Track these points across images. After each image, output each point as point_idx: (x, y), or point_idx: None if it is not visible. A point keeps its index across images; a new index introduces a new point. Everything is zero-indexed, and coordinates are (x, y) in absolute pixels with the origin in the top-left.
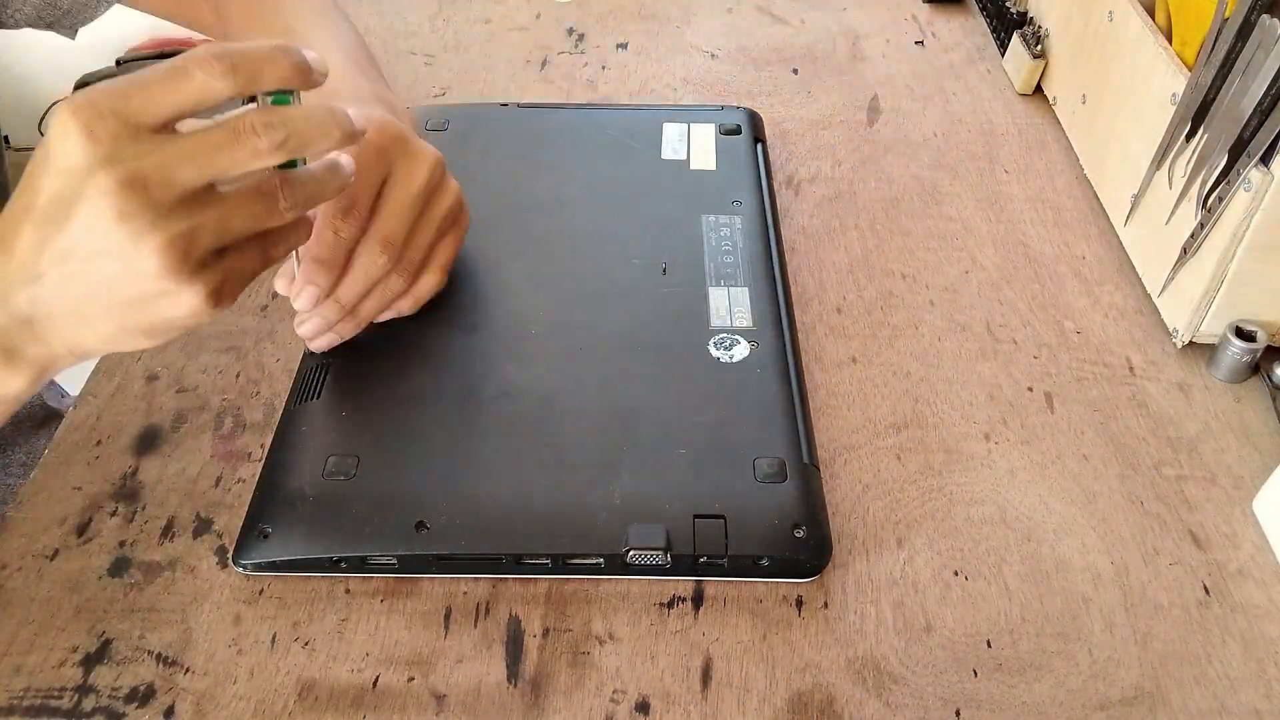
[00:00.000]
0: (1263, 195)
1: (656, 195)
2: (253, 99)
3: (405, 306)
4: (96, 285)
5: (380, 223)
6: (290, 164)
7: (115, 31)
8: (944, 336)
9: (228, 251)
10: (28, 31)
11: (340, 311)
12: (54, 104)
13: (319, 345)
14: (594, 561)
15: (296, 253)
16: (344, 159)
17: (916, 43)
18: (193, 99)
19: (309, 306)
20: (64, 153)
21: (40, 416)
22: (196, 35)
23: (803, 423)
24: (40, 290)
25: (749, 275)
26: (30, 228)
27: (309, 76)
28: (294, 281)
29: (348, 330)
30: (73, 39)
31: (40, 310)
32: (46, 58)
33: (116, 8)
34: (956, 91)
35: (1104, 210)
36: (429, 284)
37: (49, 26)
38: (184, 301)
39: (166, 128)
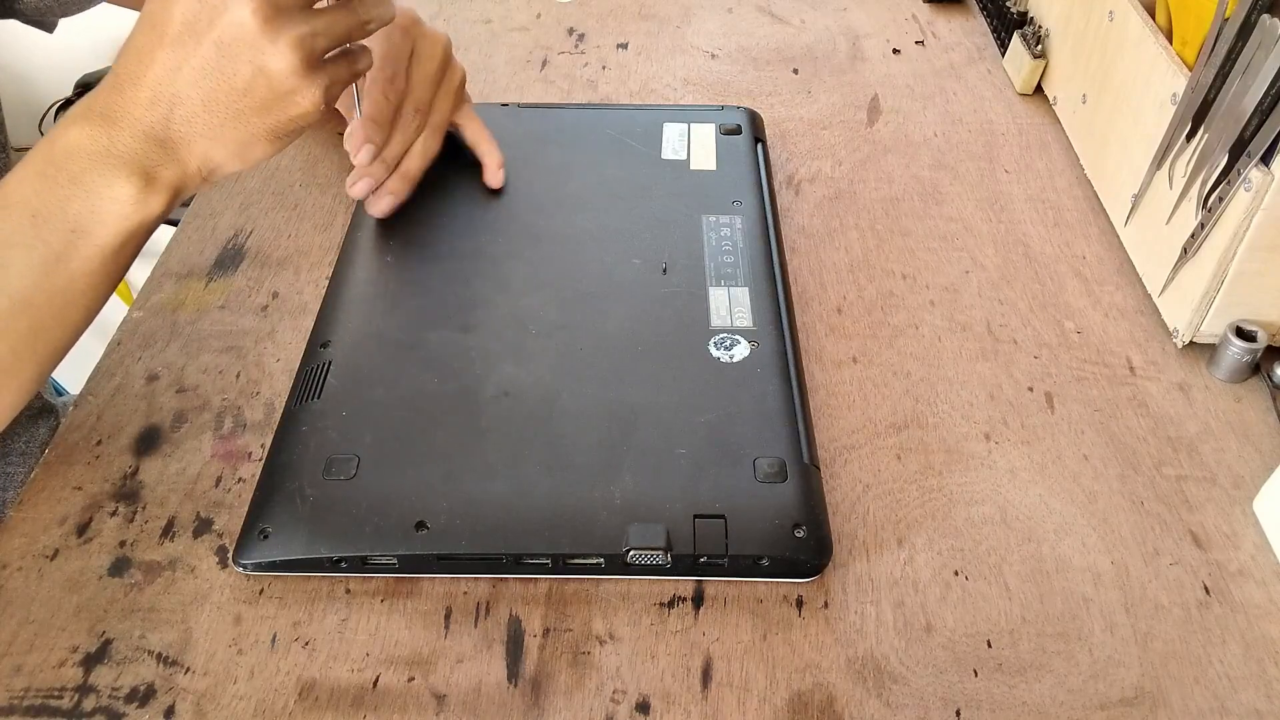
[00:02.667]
0: (1263, 195)
1: (657, 195)
2: None
3: (417, 166)
4: (231, 93)
5: (413, 91)
6: None
7: (115, 31)
8: (944, 336)
9: (330, 58)
10: (28, 32)
11: (386, 169)
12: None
13: (379, 209)
14: (594, 561)
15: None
16: None
17: (917, 42)
18: None
19: (369, 160)
20: None
21: (37, 407)
22: None
23: (803, 423)
24: (176, 110)
25: (749, 275)
26: (165, 52)
27: None
28: (355, 140)
29: (401, 189)
30: (50, 33)
31: (176, 130)
32: (47, 58)
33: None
34: (957, 91)
35: (1104, 210)
36: (434, 144)
37: (41, 17)
38: (307, 98)
39: None
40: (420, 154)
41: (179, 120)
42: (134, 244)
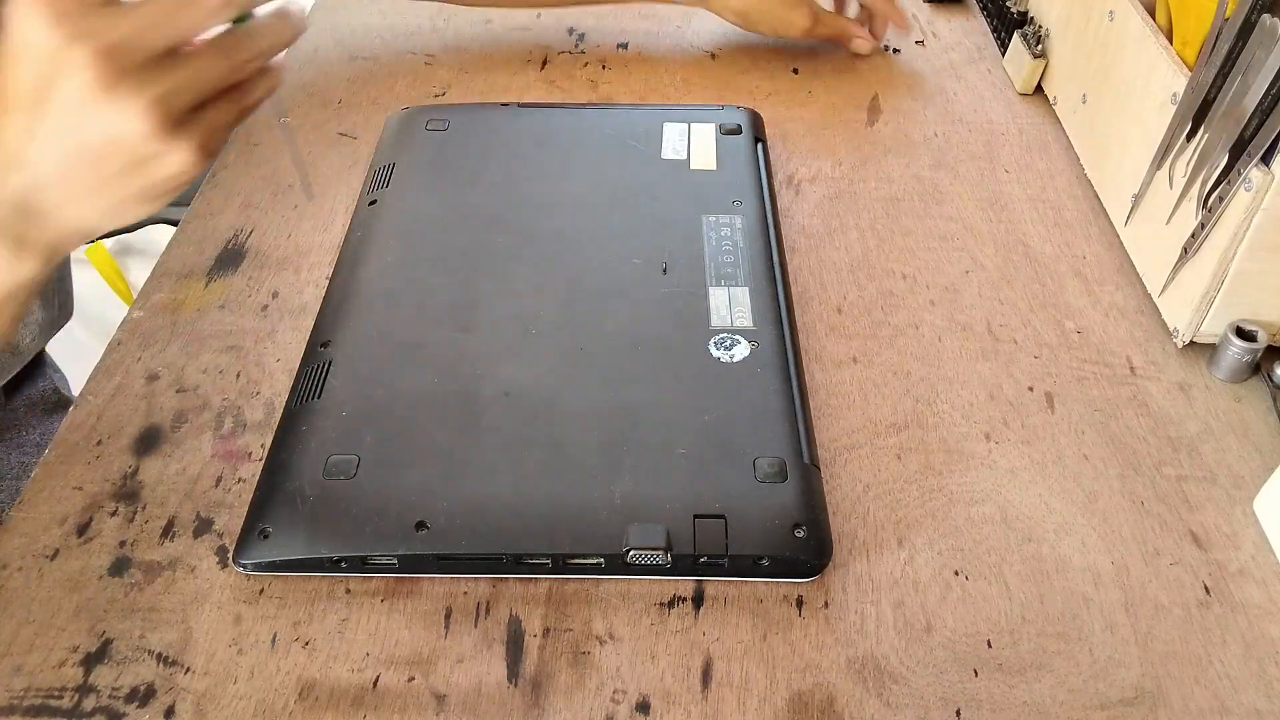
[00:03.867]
0: (1263, 195)
1: (657, 195)
2: None
3: None
4: (89, 160)
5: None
6: (244, 17)
7: None
8: (944, 336)
9: (205, 106)
10: None
11: None
12: None
13: None
14: (594, 561)
15: None
16: (292, 6)
17: (917, 42)
18: None
19: None
20: (34, 38)
21: (53, 401)
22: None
23: (803, 422)
24: (34, 176)
25: (749, 275)
26: (12, 118)
27: None
28: None
29: None
30: None
31: (37, 196)
32: None
33: None
34: (957, 91)
35: (1104, 210)
36: None
37: None
38: (176, 159)
39: None
40: None
41: (40, 188)
42: (8, 309)
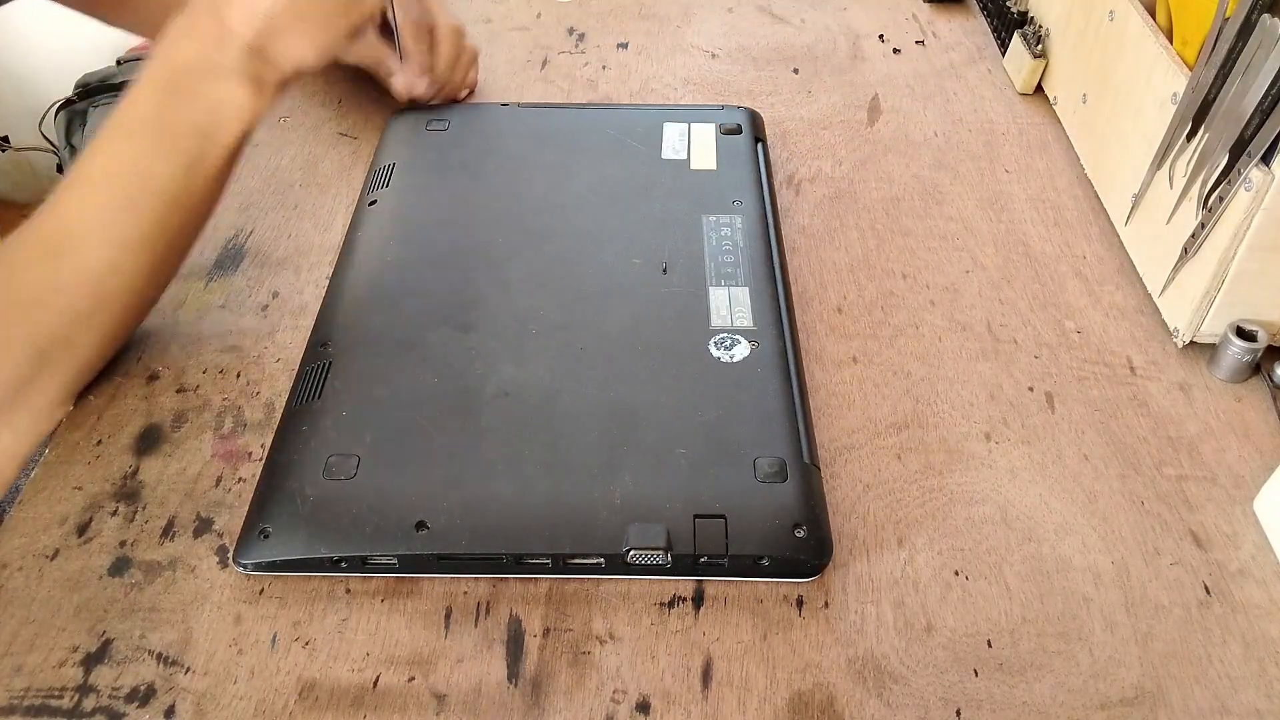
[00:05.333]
0: (1264, 195)
1: (657, 195)
2: None
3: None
4: (312, 6)
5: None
6: None
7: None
8: (944, 336)
9: None
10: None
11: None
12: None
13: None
14: (594, 561)
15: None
16: None
17: (917, 42)
18: None
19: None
20: None
21: None
22: None
23: (803, 422)
24: (270, 23)
25: (749, 275)
26: (283, 22)
27: None
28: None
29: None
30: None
31: (272, 40)
32: (47, 58)
33: None
34: (957, 91)
35: (1105, 210)
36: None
37: None
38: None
39: None
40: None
41: (273, 31)
42: (247, 140)
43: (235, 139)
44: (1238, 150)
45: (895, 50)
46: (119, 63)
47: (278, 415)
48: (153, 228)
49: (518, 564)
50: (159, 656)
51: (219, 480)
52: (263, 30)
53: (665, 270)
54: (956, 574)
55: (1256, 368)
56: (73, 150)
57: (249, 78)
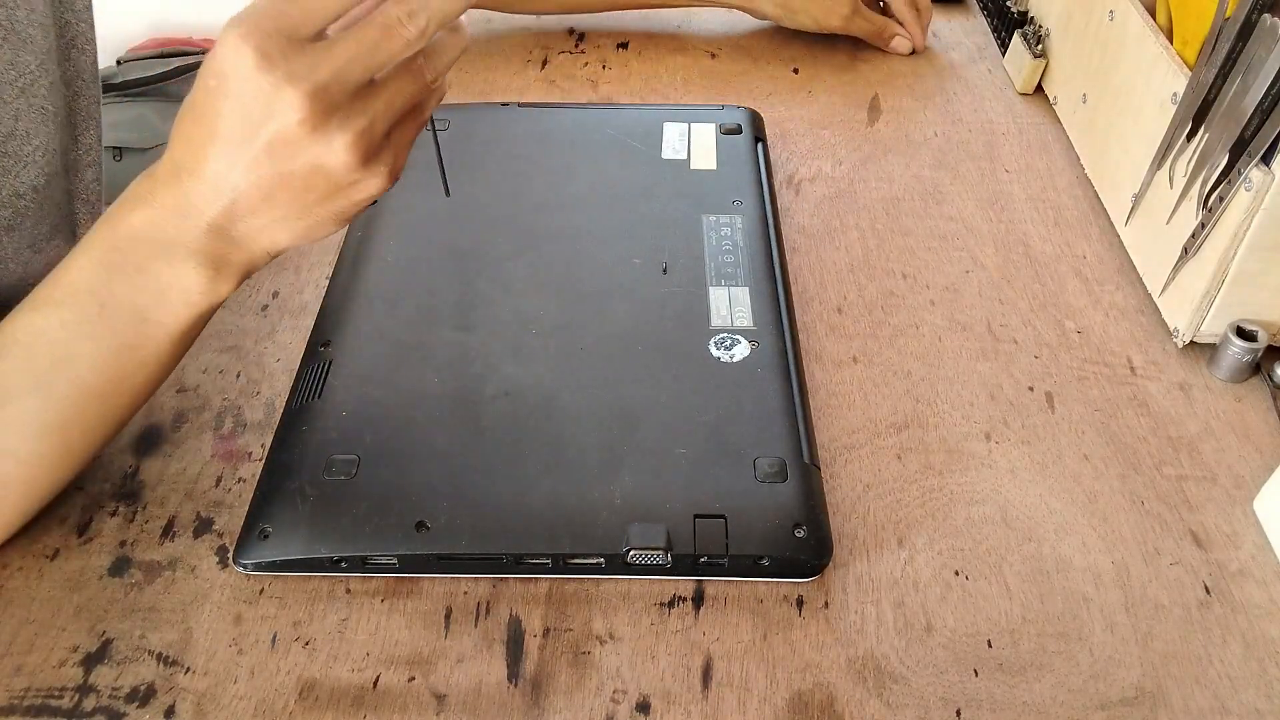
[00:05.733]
0: (1264, 195)
1: (657, 195)
2: None
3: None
4: (292, 190)
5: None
6: None
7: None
8: (944, 336)
9: (392, 130)
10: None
11: None
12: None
13: None
14: (594, 561)
15: None
16: (461, 20)
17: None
18: (339, 3)
19: None
20: (243, 78)
21: None
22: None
23: (803, 422)
24: (237, 204)
25: (749, 275)
26: (217, 150)
27: None
28: None
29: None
30: None
31: (240, 222)
32: None
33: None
34: (957, 91)
35: (1105, 210)
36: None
37: None
38: (373, 184)
39: (320, 35)
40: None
41: (242, 213)
42: (201, 324)
43: (181, 326)
44: (1238, 150)
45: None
46: (119, 62)
47: (278, 415)
48: (64, 415)
49: (518, 564)
50: (159, 656)
51: (219, 480)
52: (229, 209)
53: (665, 270)
54: (956, 574)
55: (1256, 368)
56: None
57: (207, 259)
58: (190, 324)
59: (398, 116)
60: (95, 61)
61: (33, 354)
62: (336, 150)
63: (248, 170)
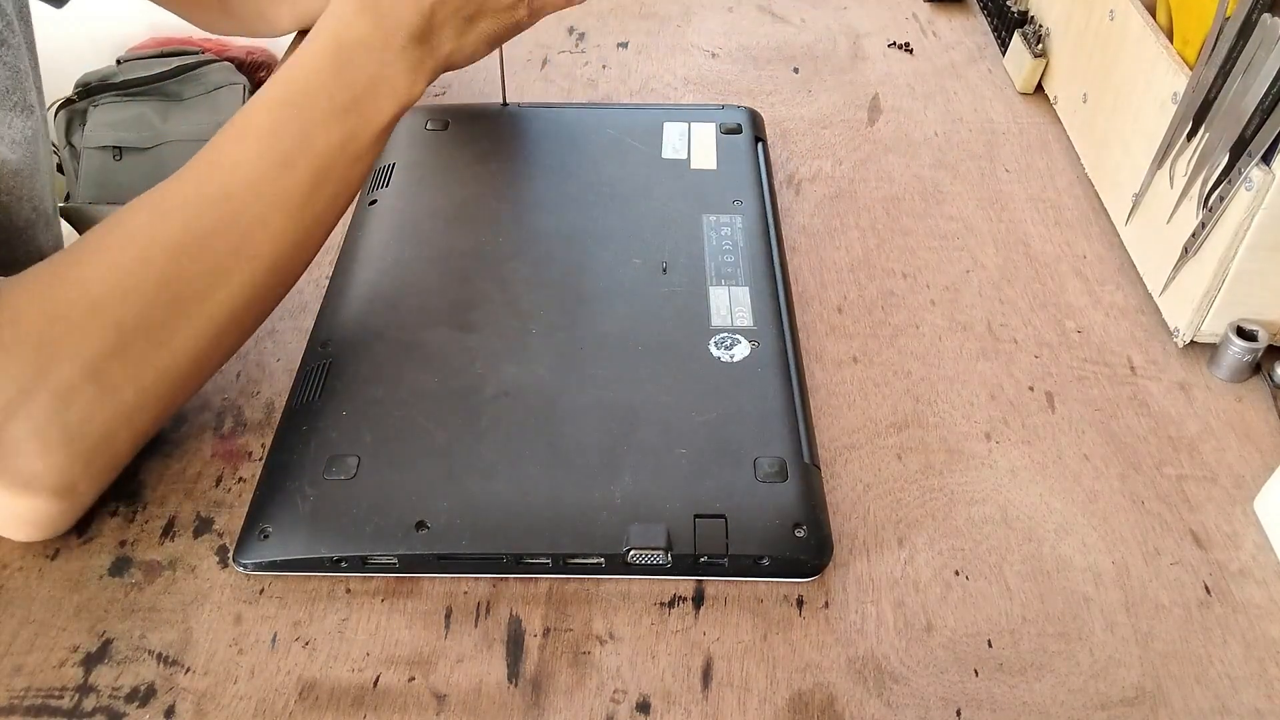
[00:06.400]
0: (1264, 194)
1: (657, 195)
2: None
3: None
4: (467, 8)
5: None
6: None
7: (115, 31)
8: (945, 336)
9: None
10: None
11: None
12: (54, 103)
13: None
14: (595, 561)
15: None
16: None
17: (905, 45)
18: None
19: None
20: None
21: None
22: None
23: (803, 422)
24: (435, 17)
25: (750, 274)
26: (445, 14)
27: None
28: None
29: None
30: (58, 8)
31: (434, 33)
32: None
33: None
34: (957, 91)
35: (1105, 210)
36: None
37: None
38: (522, 13)
39: None
40: None
41: (437, 24)
42: (394, 122)
43: (388, 120)
44: (1238, 150)
45: (907, 48)
46: (119, 62)
47: (278, 415)
48: (305, 193)
49: (518, 564)
50: (159, 656)
51: (219, 480)
52: (430, 22)
53: (665, 270)
54: (957, 574)
55: (1257, 367)
56: (72, 149)
57: (410, 63)
58: (393, 117)
59: None
60: (34, 40)
61: (279, 139)
62: None
63: (462, 23)
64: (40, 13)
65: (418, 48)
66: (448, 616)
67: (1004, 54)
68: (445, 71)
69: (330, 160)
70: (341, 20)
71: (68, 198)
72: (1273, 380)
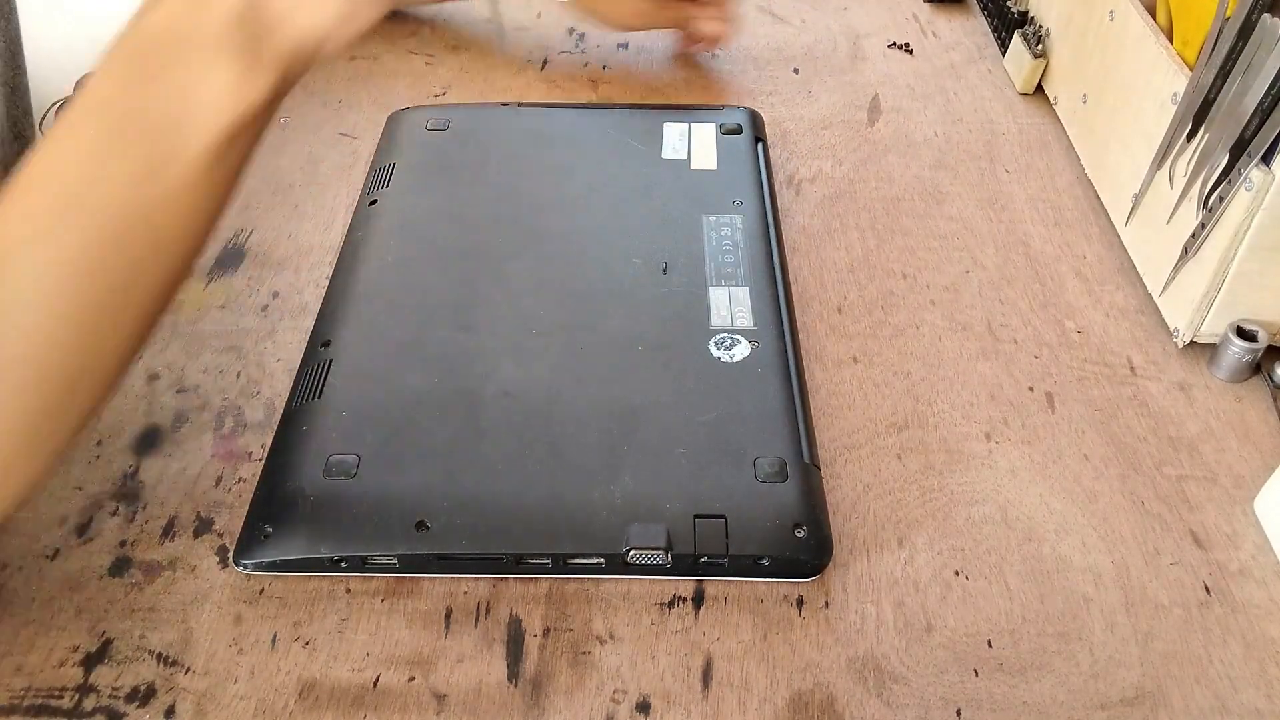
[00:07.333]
0: (1264, 195)
1: (657, 195)
2: None
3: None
4: None
5: None
6: None
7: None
8: (945, 336)
9: None
10: (28, 31)
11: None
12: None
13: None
14: (594, 561)
15: None
16: None
17: (905, 46)
18: None
19: None
20: None
21: None
22: None
23: (803, 422)
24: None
25: (750, 275)
26: None
27: None
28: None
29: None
30: None
31: (271, 2)
32: (49, 58)
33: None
34: (957, 91)
35: (1105, 210)
36: None
37: None
38: None
39: None
40: None
41: None
42: (239, 146)
43: (212, 139)
44: (1238, 150)
45: (907, 48)
46: None
47: (278, 415)
48: (101, 249)
49: (518, 564)
50: (159, 656)
51: (219, 480)
52: None
53: (665, 270)
54: (957, 574)
55: (1257, 368)
56: None
57: (237, 52)
58: (221, 139)
59: None
60: (19, 31)
61: (62, 179)
62: None
63: None
64: (41, 13)
65: (250, 27)
66: (448, 616)
67: (1004, 54)
68: (319, 59)
69: (133, 201)
70: (143, 6)
71: None
72: (1273, 380)
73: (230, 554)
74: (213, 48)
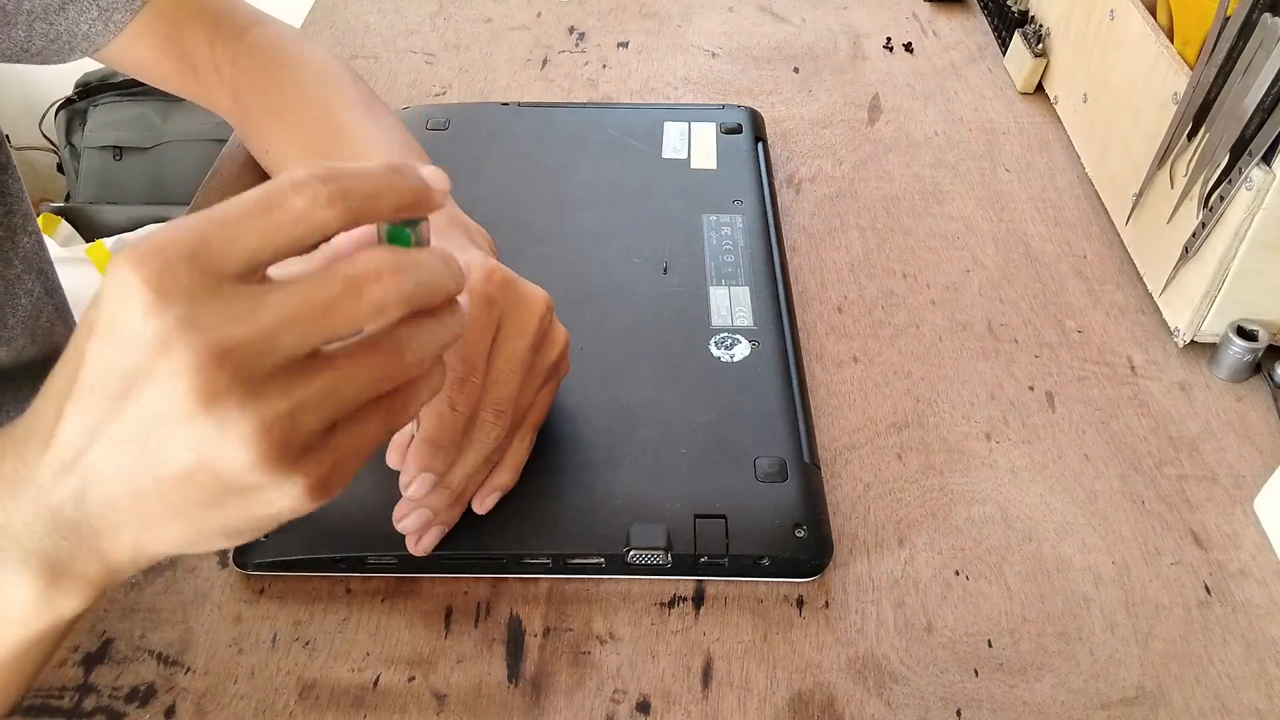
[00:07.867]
0: (1264, 194)
1: (657, 194)
2: None
3: (507, 480)
4: (165, 481)
5: (493, 388)
6: None
7: None
8: (945, 336)
9: (338, 426)
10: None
11: (449, 498)
12: (53, 104)
13: (425, 546)
14: (595, 561)
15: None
16: (460, 296)
17: (903, 45)
18: (290, 235)
19: (423, 493)
20: (125, 318)
21: None
22: None
23: (804, 422)
24: (89, 485)
25: (750, 274)
26: (76, 408)
27: (430, 201)
28: (408, 463)
29: (453, 517)
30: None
31: (93, 515)
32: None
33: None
34: (957, 90)
35: (1105, 209)
36: (523, 449)
37: (18, 61)
38: (280, 497)
39: (255, 275)
40: (508, 468)
41: (96, 502)
42: (37, 654)
43: (8, 651)
44: (1239, 150)
45: (890, 48)
46: None
47: None
48: None
49: (518, 564)
50: (159, 656)
51: None
52: (82, 495)
53: (666, 270)
54: (957, 574)
55: (1257, 367)
56: (72, 149)
57: (43, 562)
58: (20, 650)
59: (347, 409)
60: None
61: None
62: (231, 440)
63: (110, 445)
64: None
65: (64, 539)
66: (448, 616)
67: (1004, 54)
68: (136, 573)
69: None
70: None
71: (68, 198)
72: (1273, 380)
73: (230, 554)
74: (16, 553)
